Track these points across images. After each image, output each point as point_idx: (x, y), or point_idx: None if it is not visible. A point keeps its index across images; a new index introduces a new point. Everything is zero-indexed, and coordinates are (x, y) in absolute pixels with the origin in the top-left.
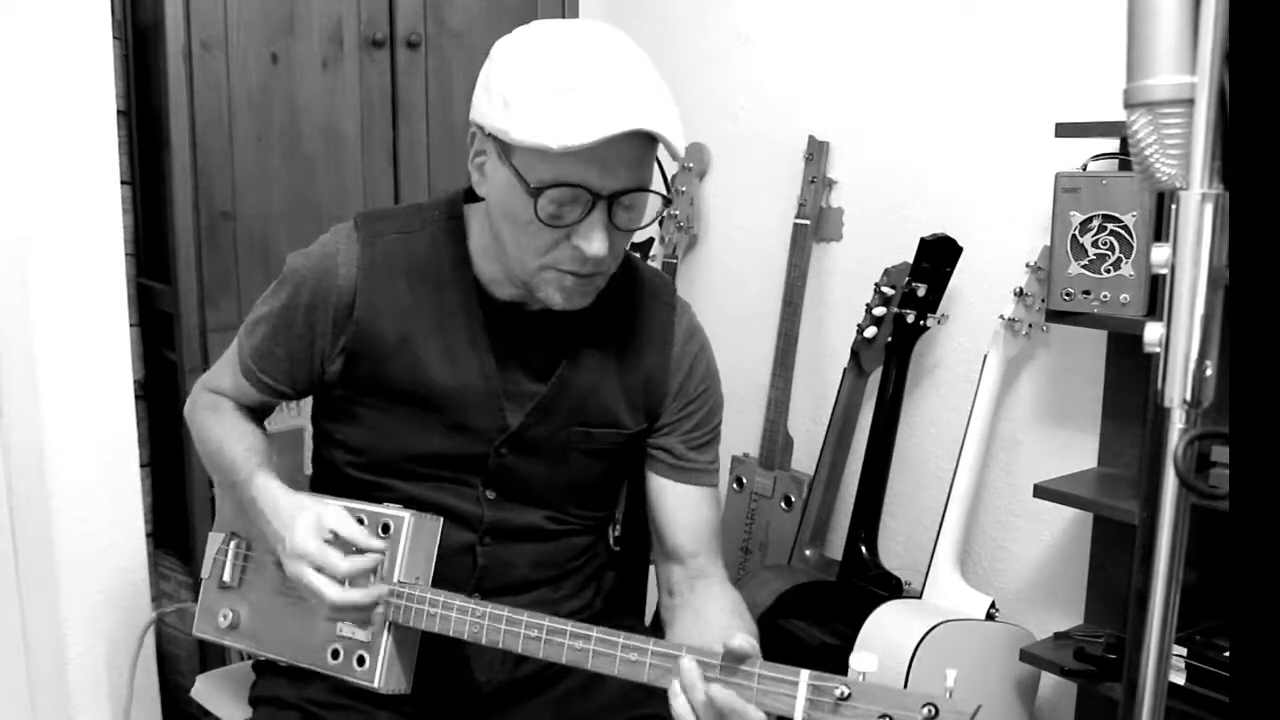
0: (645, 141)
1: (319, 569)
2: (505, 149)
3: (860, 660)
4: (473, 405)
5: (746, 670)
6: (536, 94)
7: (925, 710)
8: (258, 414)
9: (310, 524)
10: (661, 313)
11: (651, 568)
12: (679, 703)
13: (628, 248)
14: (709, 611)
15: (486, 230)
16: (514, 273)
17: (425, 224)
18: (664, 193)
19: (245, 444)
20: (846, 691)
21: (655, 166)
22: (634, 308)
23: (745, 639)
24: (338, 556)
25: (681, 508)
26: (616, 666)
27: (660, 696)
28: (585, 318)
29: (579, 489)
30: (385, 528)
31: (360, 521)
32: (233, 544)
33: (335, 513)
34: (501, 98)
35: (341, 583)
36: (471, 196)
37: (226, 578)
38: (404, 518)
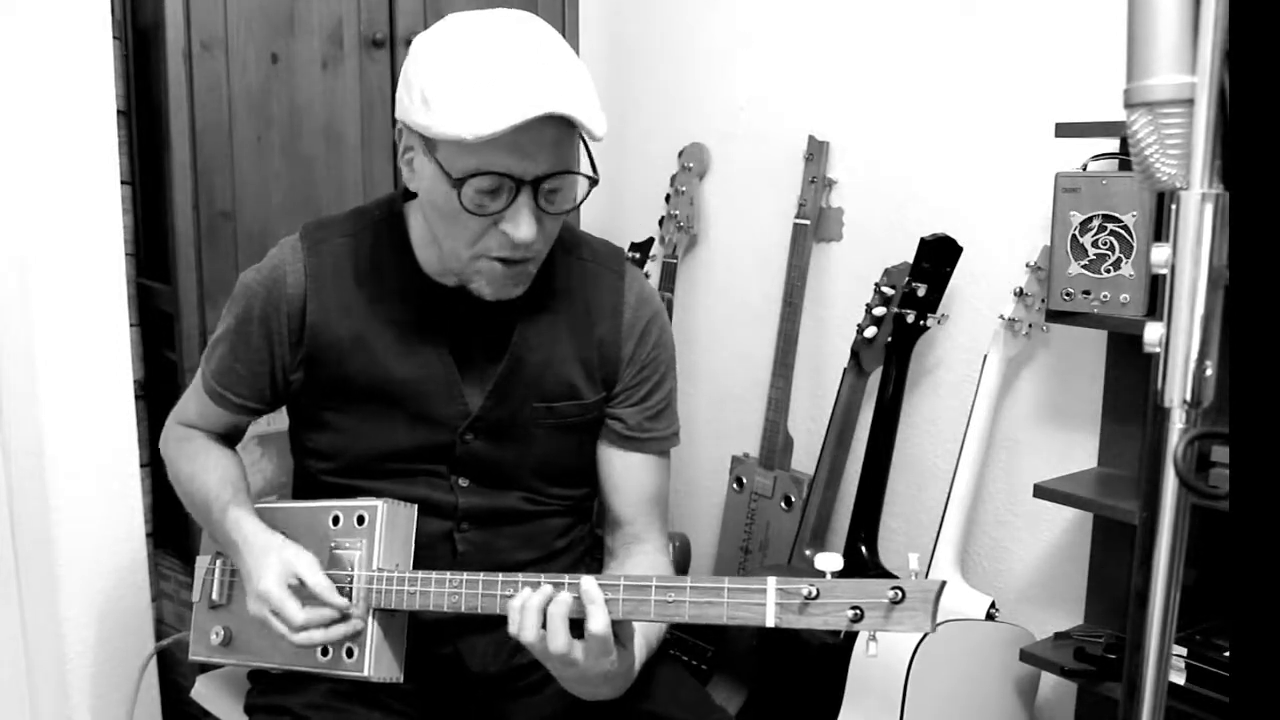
0: (562, 124)
1: (276, 614)
2: (429, 143)
3: (824, 560)
4: (433, 394)
5: (716, 587)
6: (450, 88)
7: (892, 593)
8: (230, 440)
9: (277, 568)
10: (611, 281)
11: None
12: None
13: (557, 233)
14: (630, 569)
15: (426, 223)
16: (449, 265)
17: (367, 225)
18: (589, 174)
19: (217, 475)
20: (814, 590)
21: (580, 147)
22: (583, 279)
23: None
24: (295, 608)
25: (623, 474)
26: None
27: (662, 693)
28: (535, 293)
29: (550, 467)
30: (360, 519)
31: (336, 520)
32: (219, 563)
33: (304, 560)
34: (420, 94)
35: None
36: (410, 194)
37: (215, 596)
38: (377, 506)
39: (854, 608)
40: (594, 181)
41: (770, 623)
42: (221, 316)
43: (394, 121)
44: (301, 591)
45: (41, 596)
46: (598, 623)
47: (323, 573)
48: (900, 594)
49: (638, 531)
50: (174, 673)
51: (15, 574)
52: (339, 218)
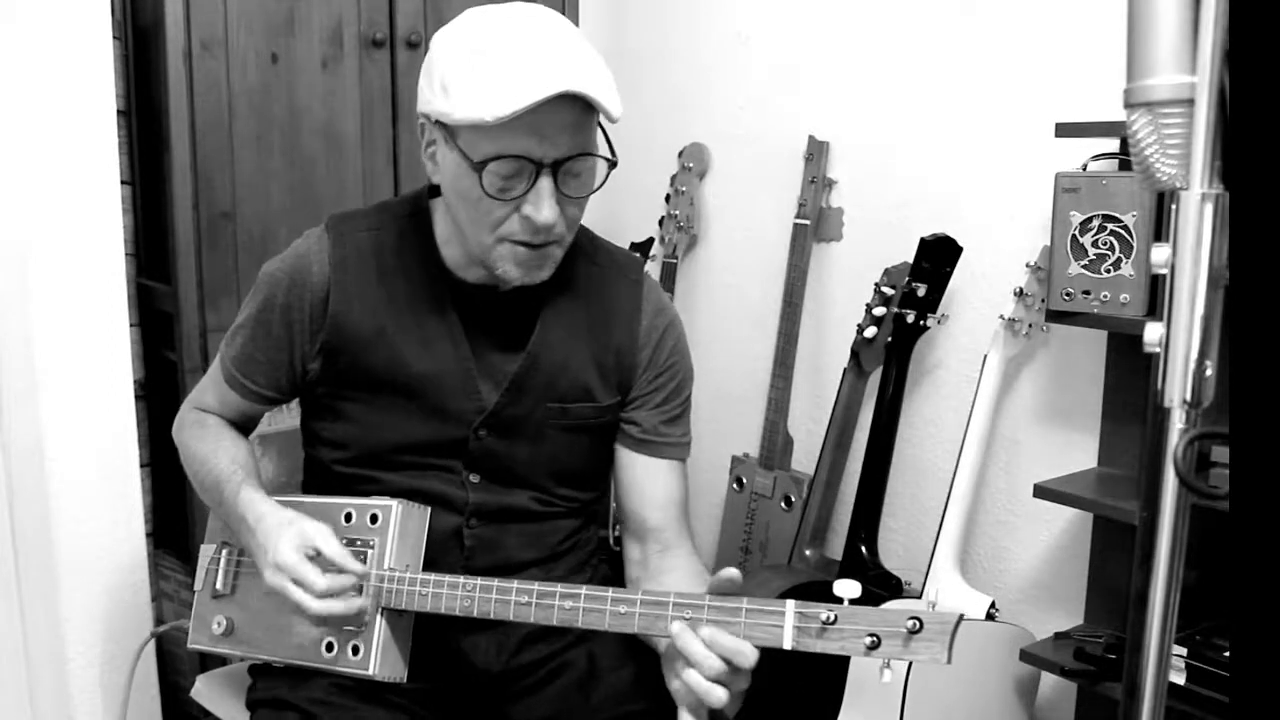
0: (581, 107)
1: (297, 582)
2: (450, 132)
3: (843, 587)
4: (449, 388)
5: (734, 607)
6: (469, 73)
7: (910, 624)
8: (244, 428)
9: (294, 538)
10: (629, 289)
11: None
12: (688, 674)
13: (580, 218)
14: (671, 579)
15: (449, 218)
16: (473, 252)
17: (392, 219)
18: (608, 156)
19: (229, 457)
20: (832, 616)
21: (598, 132)
22: (601, 284)
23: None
24: (316, 573)
25: (648, 481)
26: (607, 620)
27: (663, 693)
28: (554, 295)
29: (561, 468)
30: (374, 518)
31: (348, 517)
32: (224, 552)
33: (319, 530)
34: (440, 83)
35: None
36: (435, 192)
37: (219, 585)
38: (392, 506)
39: (871, 635)
40: (613, 164)
41: (788, 645)
42: (243, 305)
43: (394, 121)
44: (318, 562)
45: (41, 596)
46: (749, 659)
47: (337, 542)
48: (918, 624)
49: (669, 539)
50: (173, 673)
51: (15, 574)
52: (364, 211)
